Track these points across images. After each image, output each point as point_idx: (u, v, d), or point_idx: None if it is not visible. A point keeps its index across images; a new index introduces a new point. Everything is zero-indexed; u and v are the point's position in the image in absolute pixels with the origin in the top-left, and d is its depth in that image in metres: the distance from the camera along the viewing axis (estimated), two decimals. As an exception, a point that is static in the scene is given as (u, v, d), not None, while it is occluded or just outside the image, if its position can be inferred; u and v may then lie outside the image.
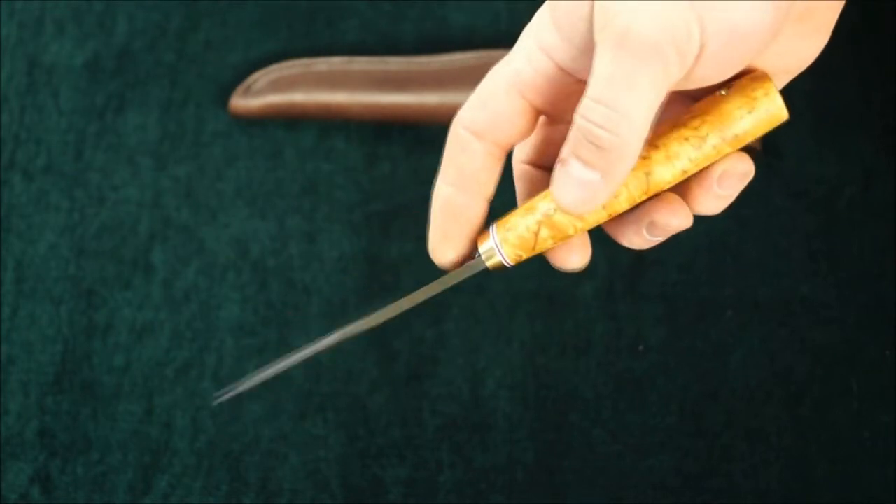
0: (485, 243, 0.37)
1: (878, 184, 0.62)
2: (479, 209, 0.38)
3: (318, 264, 0.62)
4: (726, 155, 0.35)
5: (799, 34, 0.34)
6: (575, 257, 0.37)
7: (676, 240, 0.61)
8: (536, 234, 0.36)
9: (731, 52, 0.32)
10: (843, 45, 0.64)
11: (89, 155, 0.64)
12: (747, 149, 0.60)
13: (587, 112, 0.32)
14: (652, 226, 0.36)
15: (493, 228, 0.37)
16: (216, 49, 0.66)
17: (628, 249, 0.62)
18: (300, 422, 0.59)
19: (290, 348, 0.60)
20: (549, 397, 0.59)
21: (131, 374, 0.60)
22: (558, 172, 0.34)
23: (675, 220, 0.36)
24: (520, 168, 0.40)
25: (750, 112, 0.34)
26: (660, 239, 0.37)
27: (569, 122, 0.38)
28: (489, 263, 0.37)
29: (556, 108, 0.37)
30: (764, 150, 0.62)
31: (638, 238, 0.37)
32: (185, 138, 0.64)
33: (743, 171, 0.35)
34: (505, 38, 0.57)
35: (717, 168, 0.35)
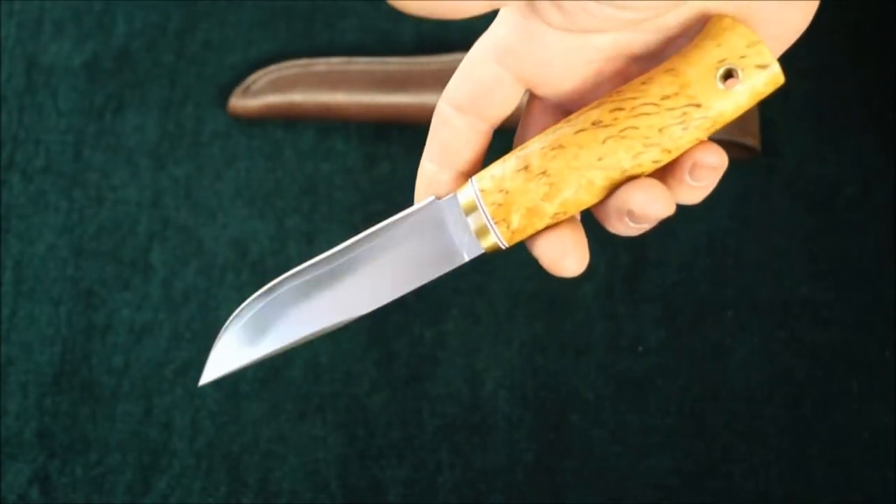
0: (486, 238, 0.36)
1: (878, 184, 0.62)
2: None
3: (318, 265, 0.62)
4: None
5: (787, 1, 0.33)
6: (570, 261, 0.35)
7: (676, 240, 0.62)
8: (541, 229, 0.35)
9: None
10: (843, 45, 0.64)
11: (88, 155, 0.64)
12: (747, 148, 0.60)
13: None
14: (631, 215, 0.34)
15: (494, 225, 0.35)
16: (215, 49, 0.66)
17: (628, 250, 0.62)
18: (299, 422, 0.59)
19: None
20: (549, 398, 0.59)
21: (130, 375, 0.59)
22: None
23: (656, 206, 0.33)
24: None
25: (757, 104, 0.33)
26: (646, 226, 0.35)
27: (552, 95, 0.37)
28: (485, 245, 0.36)
29: (536, 75, 0.36)
30: (764, 150, 0.61)
31: (621, 225, 0.35)
32: (184, 139, 0.64)
33: (713, 162, 0.33)
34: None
35: (687, 160, 0.33)
